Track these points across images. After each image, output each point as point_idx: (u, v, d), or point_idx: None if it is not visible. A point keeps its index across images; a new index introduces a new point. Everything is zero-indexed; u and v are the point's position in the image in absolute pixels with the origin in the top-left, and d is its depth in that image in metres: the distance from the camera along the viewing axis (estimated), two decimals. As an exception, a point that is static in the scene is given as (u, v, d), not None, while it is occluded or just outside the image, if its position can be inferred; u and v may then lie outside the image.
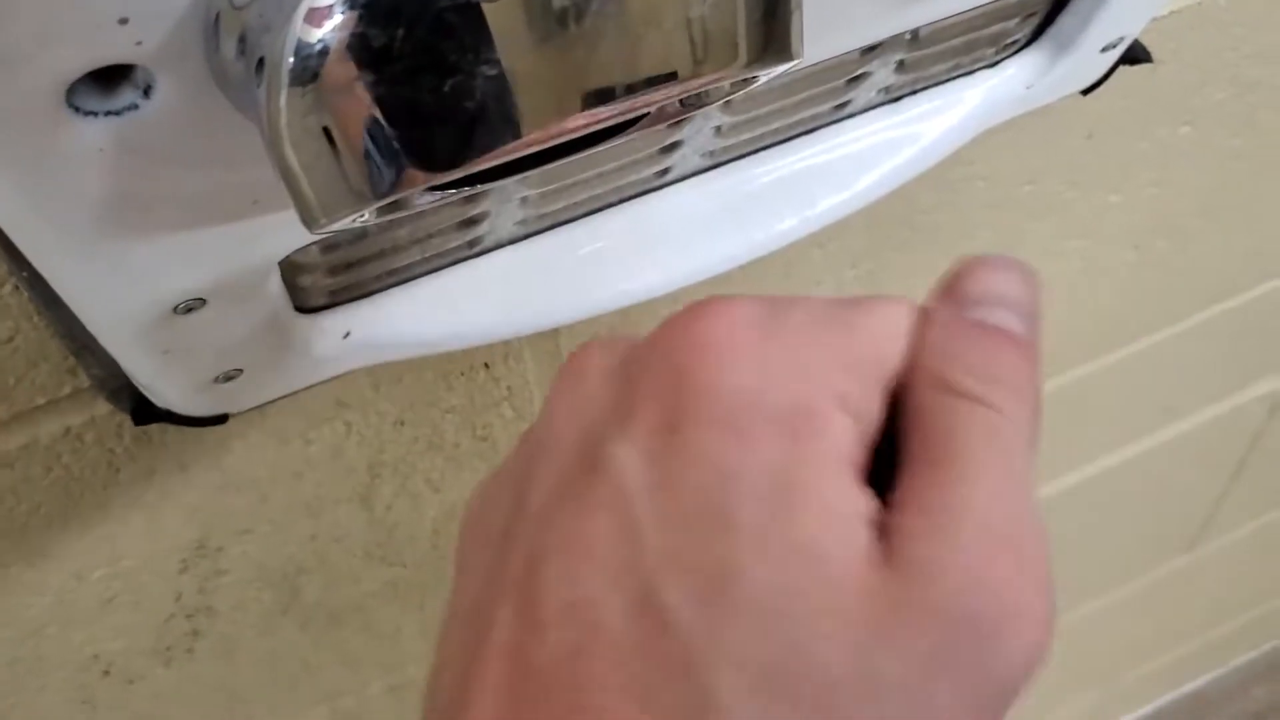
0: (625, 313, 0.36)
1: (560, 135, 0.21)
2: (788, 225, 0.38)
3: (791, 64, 0.23)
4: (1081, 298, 0.56)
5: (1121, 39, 0.39)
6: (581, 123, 0.21)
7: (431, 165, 0.20)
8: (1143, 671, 1.12)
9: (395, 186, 0.20)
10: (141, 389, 0.32)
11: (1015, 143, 0.45)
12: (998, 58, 0.39)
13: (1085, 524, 0.77)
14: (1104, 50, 0.39)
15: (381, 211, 0.22)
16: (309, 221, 0.20)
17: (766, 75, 0.23)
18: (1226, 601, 1.09)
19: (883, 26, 0.32)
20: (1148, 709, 1.22)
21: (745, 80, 0.23)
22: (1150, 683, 1.16)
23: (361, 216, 0.21)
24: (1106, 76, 0.42)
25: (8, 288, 0.30)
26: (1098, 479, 0.73)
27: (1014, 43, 0.39)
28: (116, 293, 0.26)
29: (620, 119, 0.22)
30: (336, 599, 0.47)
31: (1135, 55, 0.41)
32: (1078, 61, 0.39)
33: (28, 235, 0.23)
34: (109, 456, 0.36)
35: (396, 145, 0.20)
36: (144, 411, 0.33)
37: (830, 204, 0.38)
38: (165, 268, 0.26)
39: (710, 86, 0.22)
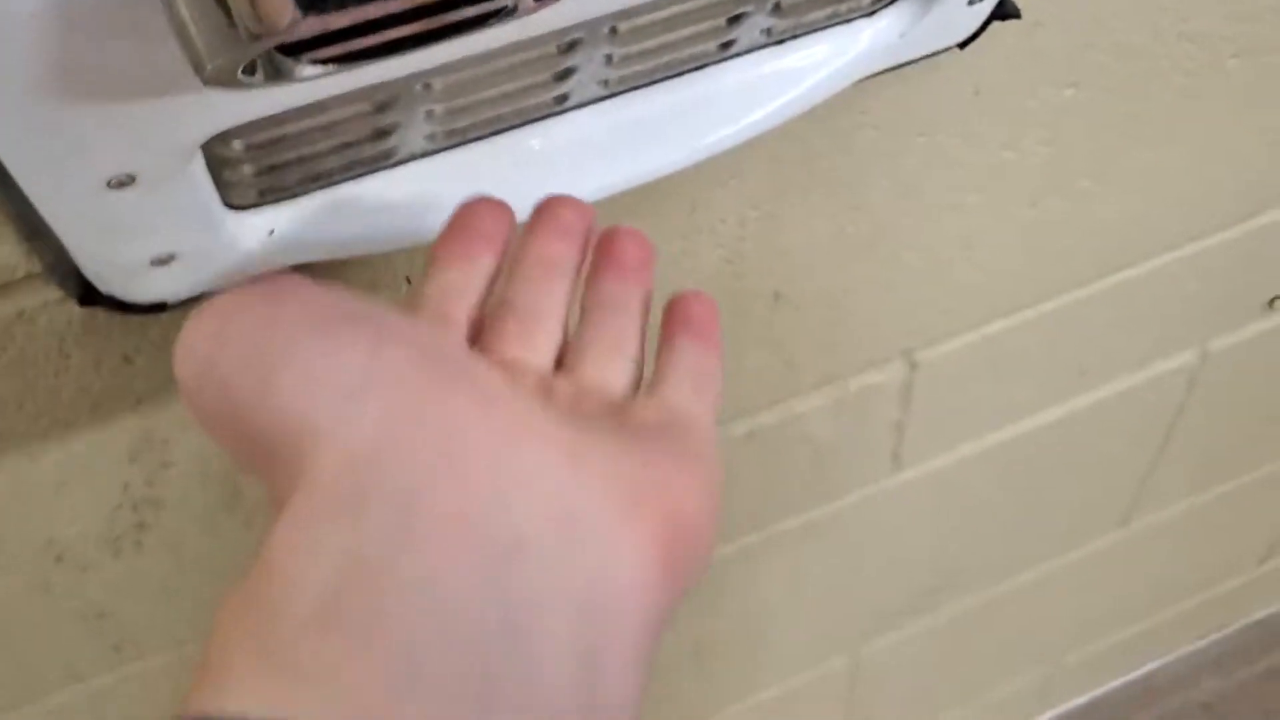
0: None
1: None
2: (678, 154, 0.42)
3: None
4: (983, 254, 0.60)
5: (989, -9, 0.43)
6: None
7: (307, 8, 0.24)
8: (1088, 652, 1.16)
9: (271, 31, 0.24)
10: (85, 272, 0.36)
11: (903, 95, 0.49)
12: (874, 8, 0.43)
13: (1014, 488, 0.81)
14: (971, 3, 0.44)
15: (268, 74, 0.26)
16: (198, 68, 0.24)
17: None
18: (1168, 583, 1.12)
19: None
20: (1096, 693, 1.25)
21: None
22: (1096, 666, 1.20)
23: (250, 74, 0.26)
24: (981, 31, 0.46)
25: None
26: (1020, 441, 0.76)
27: (884, -6, 0.43)
28: (54, 162, 0.31)
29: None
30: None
31: (1006, 11, 0.46)
32: (947, 13, 0.43)
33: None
34: (60, 342, 0.40)
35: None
36: (88, 295, 0.38)
37: (717, 136, 0.42)
38: (97, 139, 0.30)
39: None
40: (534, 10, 0.28)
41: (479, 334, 0.32)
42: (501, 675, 0.23)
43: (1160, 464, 0.89)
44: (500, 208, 0.34)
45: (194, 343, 0.29)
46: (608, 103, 0.41)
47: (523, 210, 0.40)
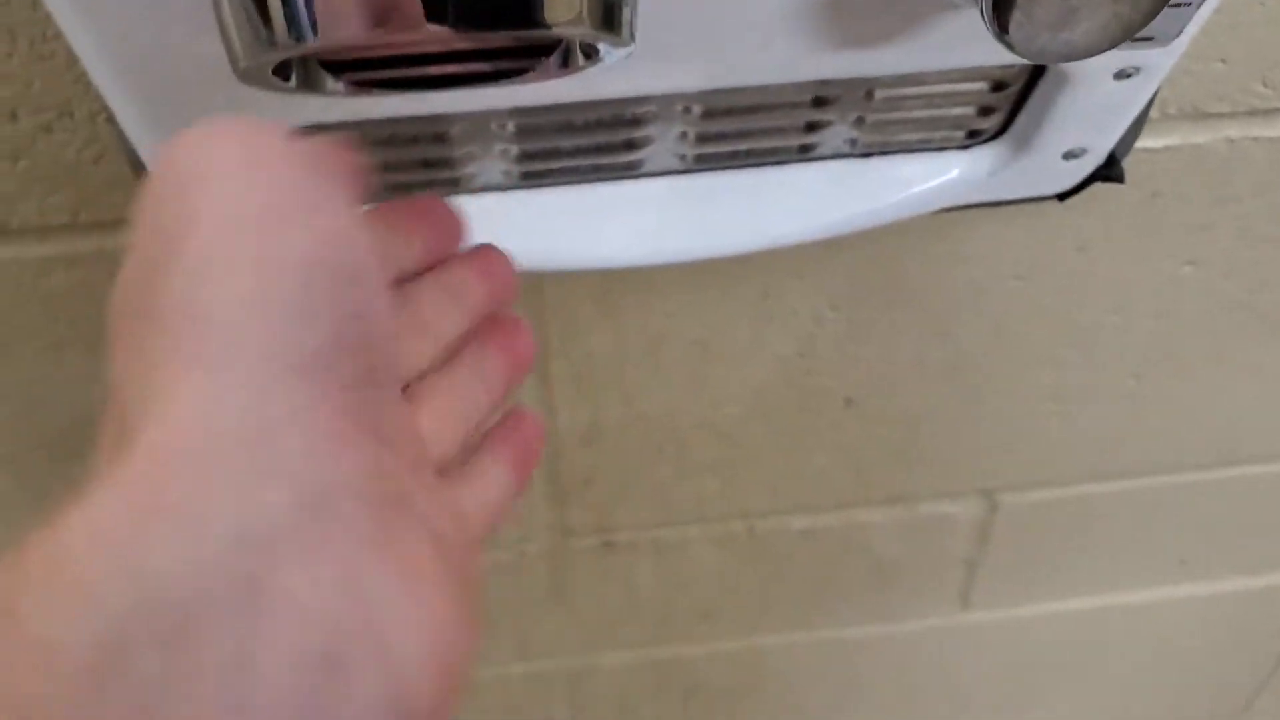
0: (563, 274, 0.43)
1: (421, 45, 0.28)
2: (741, 236, 0.44)
3: (623, 47, 0.29)
4: (1077, 412, 0.58)
5: (1084, 150, 0.43)
6: (440, 39, 0.28)
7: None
8: None
9: (298, 43, 0.27)
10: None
11: (1000, 234, 0.49)
12: (967, 142, 0.44)
13: (1090, 661, 0.78)
14: (1066, 158, 0.44)
15: (301, 81, 0.30)
16: (232, 61, 0.28)
17: (604, 48, 0.29)
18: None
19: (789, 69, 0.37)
20: None
21: (588, 49, 0.29)
22: None
23: (282, 79, 0.29)
24: (1082, 187, 0.46)
25: (101, 119, 0.40)
26: (1105, 615, 0.73)
27: (981, 132, 0.43)
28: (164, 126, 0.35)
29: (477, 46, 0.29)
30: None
31: (1108, 174, 0.45)
32: (1040, 163, 0.44)
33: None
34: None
35: (304, 12, 0.27)
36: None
37: (783, 229, 0.44)
38: (189, 111, 0.34)
39: (550, 38, 0.29)
40: (558, 76, 0.31)
41: None
42: None
43: (1273, 682, 0.83)
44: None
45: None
46: (681, 176, 0.43)
47: (579, 258, 0.43)
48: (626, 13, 0.29)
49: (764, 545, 0.64)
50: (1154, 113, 0.45)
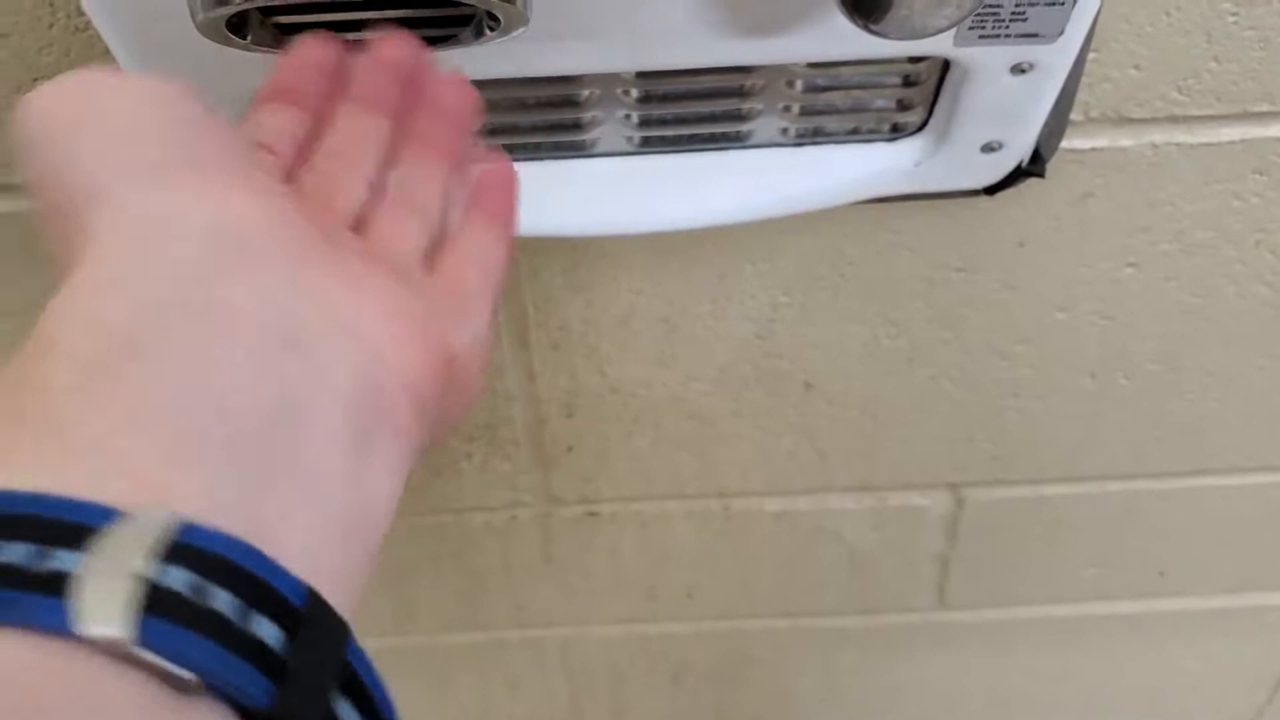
0: (534, 247, 0.48)
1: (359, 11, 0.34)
2: (682, 212, 0.48)
3: (521, 20, 0.34)
4: (1035, 410, 0.61)
5: (1001, 144, 0.47)
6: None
7: None
8: None
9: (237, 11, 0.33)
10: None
11: (939, 226, 0.53)
12: (893, 136, 0.48)
13: (1077, 670, 0.79)
14: (985, 150, 0.47)
15: (257, 40, 0.36)
16: (191, 14, 0.34)
17: (503, 18, 0.34)
18: None
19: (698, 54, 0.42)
20: None
21: (493, 21, 0.35)
22: None
23: (240, 37, 0.35)
24: (1009, 182, 0.49)
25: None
26: (1086, 624, 0.75)
27: (905, 125, 0.48)
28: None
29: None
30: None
31: (1030, 168, 0.49)
32: (960, 155, 0.47)
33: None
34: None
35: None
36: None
37: (723, 208, 0.48)
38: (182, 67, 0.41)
39: (464, 11, 0.34)
40: (470, 44, 0.36)
41: (289, 176, 0.32)
42: (276, 451, 0.24)
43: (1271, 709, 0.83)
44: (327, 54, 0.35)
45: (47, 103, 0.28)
46: (629, 157, 0.48)
47: (543, 225, 0.48)
48: (521, -13, 0.34)
49: (741, 526, 0.68)
50: (1078, 115, 0.49)
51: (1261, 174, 0.51)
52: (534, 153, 0.48)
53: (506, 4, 0.34)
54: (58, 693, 0.20)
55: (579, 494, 0.65)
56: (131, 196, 0.26)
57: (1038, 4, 0.40)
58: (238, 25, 0.35)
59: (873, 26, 0.35)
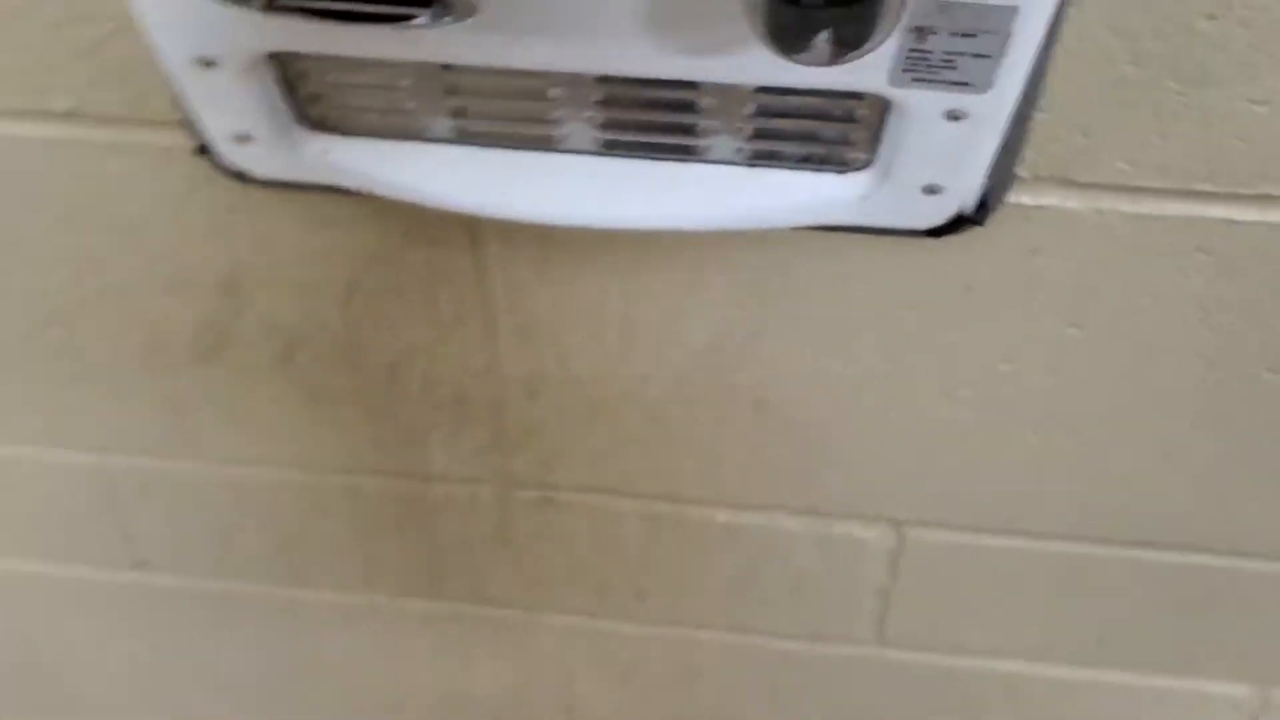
0: (504, 234, 0.52)
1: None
2: (637, 213, 0.52)
3: (465, 13, 0.38)
4: (977, 454, 0.63)
5: (941, 187, 0.50)
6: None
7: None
8: None
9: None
10: (200, 129, 0.52)
11: (892, 262, 0.55)
12: (842, 169, 0.51)
13: (1018, 734, 0.80)
14: (926, 192, 0.50)
15: (263, 6, 0.40)
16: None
17: (455, 5, 0.38)
18: None
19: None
20: None
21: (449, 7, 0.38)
22: None
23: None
24: (952, 228, 0.52)
25: (153, 33, 0.51)
26: (1029, 685, 0.76)
27: (854, 160, 0.50)
28: (163, 27, 0.46)
29: None
30: (319, 380, 0.65)
31: (965, 215, 0.51)
32: (902, 193, 0.50)
33: None
34: (190, 179, 0.56)
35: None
36: (201, 148, 0.54)
37: (676, 215, 0.52)
38: (183, 21, 0.45)
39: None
40: (430, 27, 0.40)
41: None
42: None
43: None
44: None
45: None
46: (593, 157, 0.51)
47: (508, 208, 0.52)
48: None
49: (691, 532, 0.70)
50: (1025, 172, 0.51)
51: (1205, 252, 0.53)
52: (509, 141, 0.52)
53: (454, -10, 0.38)
54: None
55: (537, 479, 0.69)
56: None
57: (965, 54, 0.43)
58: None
59: (790, 55, 0.38)
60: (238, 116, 0.51)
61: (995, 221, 0.53)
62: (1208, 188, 0.50)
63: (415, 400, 0.65)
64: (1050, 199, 0.52)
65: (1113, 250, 0.53)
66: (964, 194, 0.50)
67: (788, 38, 0.37)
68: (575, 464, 0.67)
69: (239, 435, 0.69)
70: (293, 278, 0.60)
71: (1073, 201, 0.52)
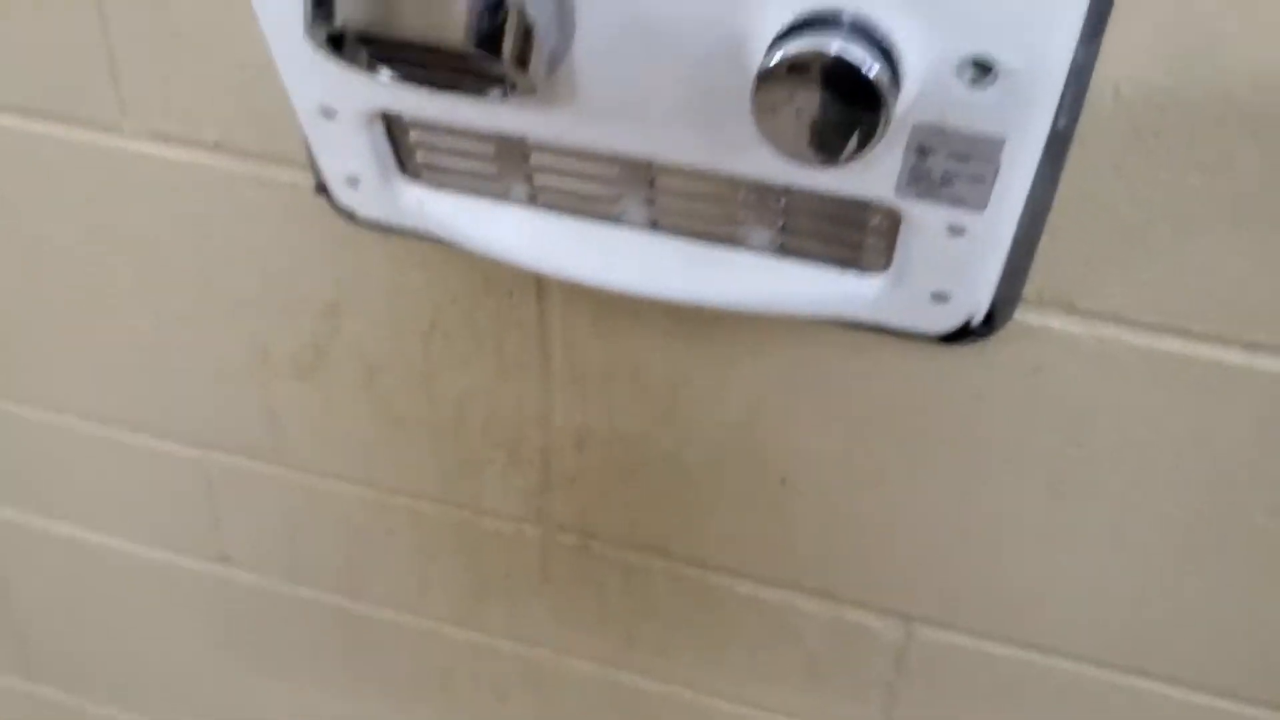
0: (565, 288, 0.59)
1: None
2: (684, 288, 0.58)
3: (528, 91, 0.46)
4: (990, 563, 0.67)
5: (948, 296, 0.55)
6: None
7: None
8: None
9: (332, 21, 0.45)
10: (319, 167, 0.61)
11: (910, 363, 0.60)
12: (862, 270, 0.56)
13: None
14: (934, 300, 0.55)
15: (351, 60, 0.48)
16: (305, 28, 0.47)
17: (518, 80, 0.46)
18: None
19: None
20: None
21: (503, 80, 0.46)
22: None
23: (339, 54, 0.48)
24: (961, 336, 0.57)
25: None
26: None
27: (873, 263, 0.56)
28: (297, 76, 0.55)
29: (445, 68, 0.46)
30: (396, 406, 0.73)
31: (976, 327, 0.56)
32: (912, 298, 0.55)
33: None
34: (308, 212, 0.65)
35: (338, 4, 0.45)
36: (320, 186, 0.63)
37: (713, 294, 0.58)
38: (310, 73, 0.54)
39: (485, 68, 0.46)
40: (499, 101, 0.48)
41: None
42: None
43: None
44: None
45: None
46: (646, 232, 0.58)
47: (577, 273, 0.59)
48: (534, 60, 0.45)
49: (715, 599, 0.75)
50: (1031, 293, 0.56)
51: (1199, 390, 0.56)
52: (575, 210, 0.59)
53: (520, 74, 0.45)
54: None
55: (577, 525, 0.75)
56: None
57: (961, 175, 0.48)
58: (340, 40, 0.48)
59: (775, 142, 0.44)
60: (350, 162, 0.59)
61: (1002, 336, 0.57)
62: (1199, 328, 0.54)
63: (476, 436, 0.72)
64: (1054, 321, 0.56)
65: (1112, 377, 0.57)
66: (972, 305, 0.55)
67: (784, 142, 0.44)
68: (613, 517, 0.73)
69: (323, 449, 0.78)
70: (383, 309, 0.68)
71: (1075, 326, 0.56)
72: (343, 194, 0.62)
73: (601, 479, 0.71)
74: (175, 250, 0.70)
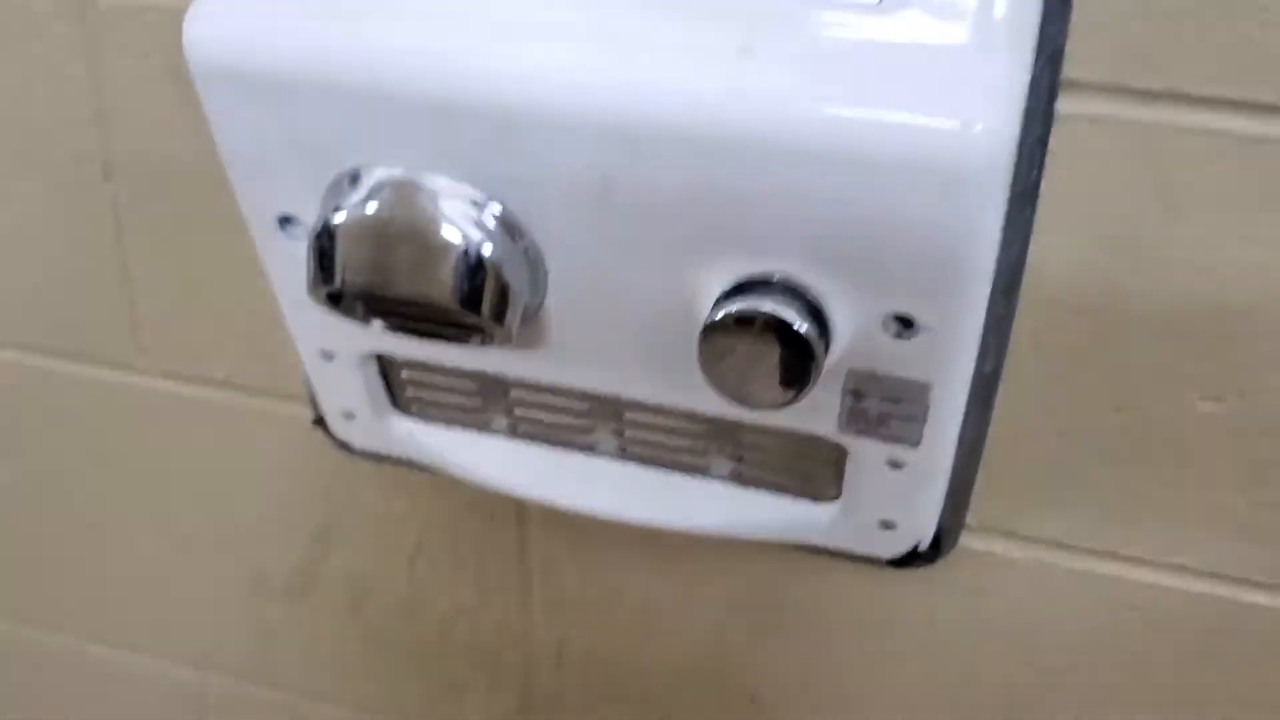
0: (544, 513, 0.63)
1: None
2: (651, 514, 0.62)
3: (508, 338, 0.51)
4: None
5: (895, 524, 0.59)
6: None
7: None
8: None
9: (333, 281, 0.51)
10: (318, 404, 0.67)
11: (867, 586, 0.64)
12: (816, 498, 0.61)
13: None
14: (882, 527, 0.59)
15: (347, 311, 0.54)
16: (308, 287, 0.53)
17: (495, 332, 0.51)
18: None
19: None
20: None
21: (483, 331, 0.52)
22: None
23: (336, 306, 0.54)
24: (910, 559, 0.61)
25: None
26: None
27: (825, 491, 0.60)
28: (306, 334, 0.61)
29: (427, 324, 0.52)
30: (382, 628, 0.76)
31: (925, 552, 0.60)
32: (862, 525, 0.60)
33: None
34: (306, 444, 0.70)
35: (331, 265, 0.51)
36: (318, 420, 0.68)
37: (676, 517, 0.62)
38: (307, 323, 0.60)
39: (468, 321, 0.52)
40: (476, 347, 0.54)
41: None
42: None
43: None
44: None
45: None
46: (617, 461, 0.63)
47: (564, 500, 0.64)
48: (510, 315, 0.51)
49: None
50: (973, 519, 0.60)
51: (1132, 609, 0.60)
52: (552, 440, 0.64)
53: (498, 327, 0.51)
54: None
55: (557, 746, 0.77)
56: None
57: (895, 415, 0.53)
58: (339, 296, 0.54)
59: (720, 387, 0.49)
60: (347, 398, 0.65)
61: (949, 560, 0.61)
62: (1135, 553, 0.58)
63: (459, 658, 0.75)
64: (996, 546, 0.61)
65: (1052, 600, 0.61)
66: (917, 532, 0.60)
67: (727, 387, 0.49)
68: (590, 738, 0.75)
69: (313, 670, 0.80)
70: (371, 533, 0.72)
71: (1015, 552, 0.60)
72: (339, 427, 0.67)
73: (581, 698, 0.74)
74: (180, 478, 0.75)
